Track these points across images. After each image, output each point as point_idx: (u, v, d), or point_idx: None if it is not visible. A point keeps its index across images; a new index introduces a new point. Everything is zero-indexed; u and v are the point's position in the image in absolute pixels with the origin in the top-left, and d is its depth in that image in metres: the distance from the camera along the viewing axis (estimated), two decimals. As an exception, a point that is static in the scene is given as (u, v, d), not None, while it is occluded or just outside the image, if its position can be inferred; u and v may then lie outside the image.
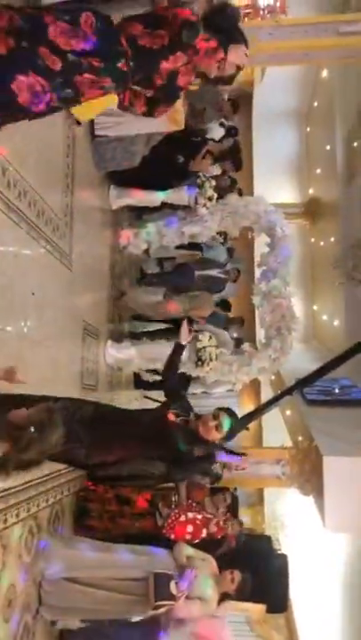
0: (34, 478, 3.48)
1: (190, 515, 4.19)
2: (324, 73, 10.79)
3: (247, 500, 9.74)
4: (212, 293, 6.12)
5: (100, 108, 4.66)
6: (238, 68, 2.29)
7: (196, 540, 4.14)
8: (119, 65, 2.08)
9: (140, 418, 2.90)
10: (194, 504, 4.54)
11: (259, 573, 3.98)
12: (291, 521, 8.92)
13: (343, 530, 5.92)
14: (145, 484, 4.51)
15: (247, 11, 7.28)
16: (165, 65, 2.15)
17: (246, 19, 6.77)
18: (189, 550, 3.77)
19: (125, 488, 4.54)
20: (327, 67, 10.37)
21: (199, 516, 4.21)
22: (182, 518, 4.17)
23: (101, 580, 3.52)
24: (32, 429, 1.89)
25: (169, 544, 4.35)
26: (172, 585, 3.33)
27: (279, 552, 5.57)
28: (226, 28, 2.22)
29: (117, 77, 2.12)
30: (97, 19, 2.03)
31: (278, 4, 7.77)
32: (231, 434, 2.93)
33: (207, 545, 4.23)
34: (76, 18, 1.99)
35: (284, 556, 5.18)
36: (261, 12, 7.16)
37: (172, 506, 4.36)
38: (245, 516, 8.38)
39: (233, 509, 5.24)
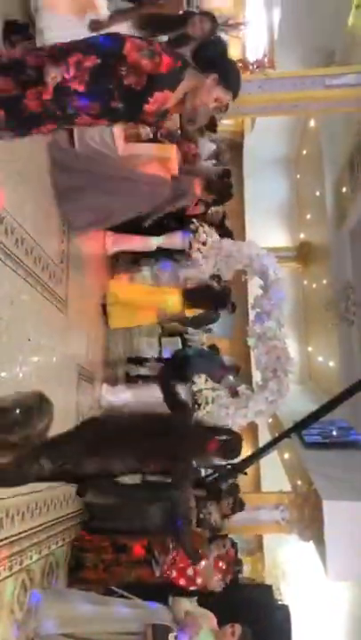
0: (27, 529, 3.40)
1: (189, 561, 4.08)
2: (312, 122, 11.20)
3: (246, 548, 9.49)
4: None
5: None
6: (218, 107, 2.37)
7: (200, 580, 4.02)
8: (112, 105, 2.20)
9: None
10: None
11: (260, 626, 3.85)
12: (292, 569, 8.67)
13: (347, 578, 5.76)
14: (141, 533, 4.43)
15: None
16: (149, 107, 2.22)
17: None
18: (188, 605, 3.65)
19: (122, 536, 4.43)
20: (315, 117, 10.77)
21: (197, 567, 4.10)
22: (181, 565, 4.05)
23: (98, 634, 3.39)
24: (17, 411, 1.88)
25: (166, 595, 4.22)
26: (171, 638, 3.21)
27: (281, 603, 5.39)
28: (214, 58, 2.34)
29: (113, 118, 2.25)
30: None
31: (267, 59, 8.15)
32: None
33: (206, 596, 4.10)
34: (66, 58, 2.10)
35: (285, 608, 5.00)
36: (251, 67, 7.50)
37: (170, 553, 4.24)
38: (245, 565, 8.14)
39: (238, 562, 5.09)
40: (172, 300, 5.67)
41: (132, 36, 2.15)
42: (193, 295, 5.74)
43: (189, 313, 6.06)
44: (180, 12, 3.48)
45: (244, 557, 8.84)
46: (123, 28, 3.44)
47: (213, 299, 5.98)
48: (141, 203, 4.84)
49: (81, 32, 3.32)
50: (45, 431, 2.03)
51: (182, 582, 4.13)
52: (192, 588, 4.15)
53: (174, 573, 4.03)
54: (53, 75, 2.04)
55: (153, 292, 5.78)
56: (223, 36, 9.10)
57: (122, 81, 2.13)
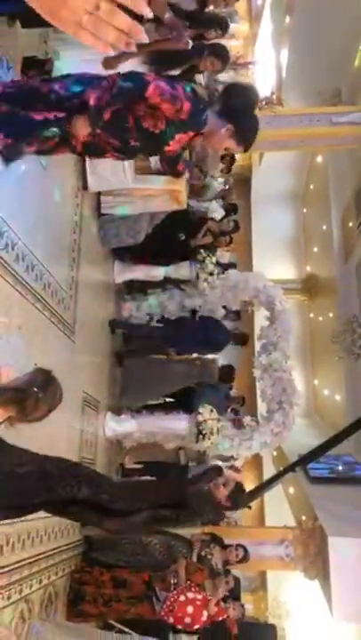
0: (27, 557, 3.34)
1: (190, 595, 3.97)
2: (319, 158, 11.40)
3: (249, 586, 9.24)
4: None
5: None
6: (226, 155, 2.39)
7: (197, 627, 3.90)
8: (131, 144, 2.21)
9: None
10: (193, 585, 4.31)
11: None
12: (296, 609, 8.41)
13: (353, 619, 5.56)
14: (141, 566, 4.35)
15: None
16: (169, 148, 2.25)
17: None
18: None
19: (122, 569, 4.35)
20: (322, 153, 10.97)
21: (199, 596, 3.99)
22: (182, 598, 3.94)
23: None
24: (35, 389, 1.92)
25: (167, 632, 4.11)
26: None
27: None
28: (239, 108, 2.22)
29: (131, 154, 2.29)
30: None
31: (275, 97, 8.36)
32: (234, 499, 2.94)
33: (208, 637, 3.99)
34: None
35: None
36: (259, 104, 7.70)
37: (171, 589, 4.14)
38: (248, 603, 7.92)
39: (235, 593, 4.97)
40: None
41: (156, 79, 2.14)
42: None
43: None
44: (190, 46, 3.55)
45: (247, 595, 8.60)
46: (135, 63, 3.56)
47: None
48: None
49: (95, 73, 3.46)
50: (60, 400, 2.07)
51: (180, 627, 4.02)
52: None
53: (171, 619, 3.93)
54: (85, 133, 2.11)
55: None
56: (233, 74, 9.39)
57: (139, 122, 2.14)
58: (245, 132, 2.23)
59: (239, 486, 3.40)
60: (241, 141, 2.23)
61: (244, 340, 6.29)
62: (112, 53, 3.02)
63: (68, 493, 2.25)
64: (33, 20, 3.14)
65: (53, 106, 2.12)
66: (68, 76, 2.27)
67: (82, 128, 2.11)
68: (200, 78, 4.00)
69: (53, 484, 2.24)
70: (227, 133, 2.19)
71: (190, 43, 3.44)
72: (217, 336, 5.88)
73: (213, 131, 2.19)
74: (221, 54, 3.82)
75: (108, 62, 3.49)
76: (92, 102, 2.09)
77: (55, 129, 2.11)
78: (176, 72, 3.79)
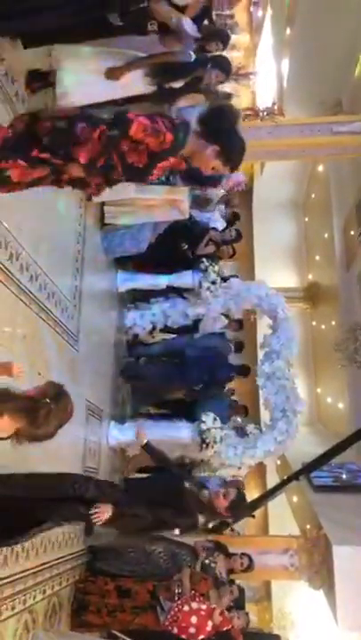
0: (32, 566, 3.34)
1: (194, 605, 3.95)
2: (320, 167, 11.46)
3: (254, 596, 9.19)
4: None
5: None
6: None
7: (201, 637, 3.88)
8: (115, 177, 2.27)
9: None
10: (198, 595, 4.29)
11: None
12: (301, 619, 8.35)
13: (359, 628, 5.53)
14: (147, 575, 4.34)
15: (248, 113, 7.89)
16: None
17: (247, 119, 7.33)
18: None
19: (126, 579, 4.33)
20: (323, 162, 11.03)
21: (203, 606, 3.96)
22: (186, 608, 3.92)
23: None
24: (47, 400, 1.91)
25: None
26: None
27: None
28: (222, 130, 2.23)
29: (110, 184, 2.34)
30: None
31: (276, 107, 8.43)
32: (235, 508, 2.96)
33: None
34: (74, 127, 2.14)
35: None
36: (261, 114, 7.77)
37: (175, 598, 4.12)
38: (252, 614, 7.86)
39: (240, 604, 4.94)
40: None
41: (138, 115, 2.16)
42: None
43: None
44: (193, 58, 3.59)
45: (251, 606, 8.55)
46: (138, 75, 3.60)
47: None
48: None
49: (98, 84, 3.50)
50: (71, 415, 2.08)
51: (184, 637, 4.00)
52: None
53: (176, 630, 3.91)
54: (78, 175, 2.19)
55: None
56: (234, 85, 9.47)
57: (124, 158, 2.18)
58: (231, 152, 2.25)
59: (241, 496, 3.40)
60: (227, 161, 2.25)
61: (245, 371, 6.36)
62: (117, 63, 2.97)
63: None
64: (35, 38, 3.21)
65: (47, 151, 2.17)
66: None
67: (76, 172, 2.18)
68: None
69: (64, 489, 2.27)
70: (213, 154, 2.21)
71: (193, 55, 3.48)
72: (221, 373, 5.94)
73: (198, 152, 2.23)
74: (224, 66, 3.87)
75: (112, 73, 3.53)
76: (82, 161, 2.14)
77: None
78: (179, 84, 3.83)
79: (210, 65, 3.74)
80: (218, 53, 3.90)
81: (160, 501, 2.85)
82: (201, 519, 3.28)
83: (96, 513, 2.76)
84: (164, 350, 6.15)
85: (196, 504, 2.88)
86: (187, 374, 5.75)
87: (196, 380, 5.79)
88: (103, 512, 2.77)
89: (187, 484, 2.92)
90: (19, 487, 2.36)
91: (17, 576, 3.15)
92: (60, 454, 3.88)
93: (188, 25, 3.27)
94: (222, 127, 2.23)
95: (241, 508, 3.50)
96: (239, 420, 6.45)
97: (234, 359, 6.51)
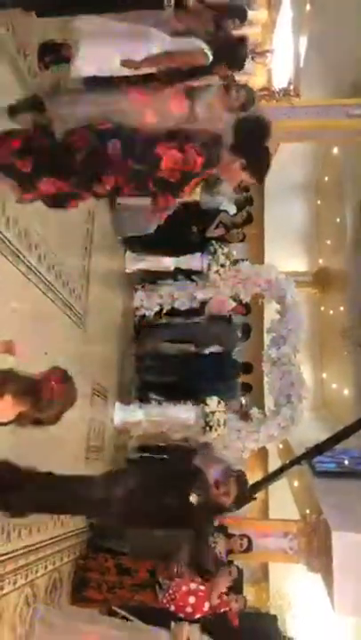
0: (33, 542, 3.39)
1: (193, 585, 4.01)
2: (335, 150, 11.26)
3: (251, 577, 9.30)
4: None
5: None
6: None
7: (198, 616, 3.94)
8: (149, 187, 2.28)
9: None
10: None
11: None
12: (298, 601, 8.46)
13: (355, 613, 5.59)
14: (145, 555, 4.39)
15: (263, 93, 7.74)
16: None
17: (263, 100, 7.19)
18: (190, 631, 3.59)
19: (126, 557, 4.39)
20: (337, 145, 10.83)
21: (202, 587, 4.03)
22: (184, 588, 3.98)
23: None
24: (52, 383, 1.94)
25: (169, 620, 4.15)
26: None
27: (286, 636, 5.25)
28: (251, 144, 2.27)
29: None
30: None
31: (292, 88, 8.26)
32: (239, 502, 2.94)
33: (209, 627, 4.02)
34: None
35: (291, 640, 4.89)
36: (277, 95, 7.63)
37: (174, 577, 4.18)
38: (249, 594, 7.98)
39: (237, 585, 5.01)
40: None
41: (167, 149, 2.18)
42: None
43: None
44: (210, 59, 3.46)
45: (249, 586, 8.67)
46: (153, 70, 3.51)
47: None
48: None
49: (114, 60, 3.41)
50: (74, 400, 2.09)
51: (181, 616, 4.06)
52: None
53: (173, 608, 3.97)
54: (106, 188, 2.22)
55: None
56: (250, 63, 9.24)
57: (156, 176, 2.23)
58: (257, 166, 2.31)
59: (244, 483, 3.38)
60: (254, 174, 2.31)
61: (248, 370, 6.38)
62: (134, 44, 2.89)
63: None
64: (49, 9, 3.13)
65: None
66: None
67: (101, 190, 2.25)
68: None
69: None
70: (240, 166, 2.26)
71: (210, 56, 3.37)
72: (229, 371, 6.01)
73: (228, 166, 2.27)
74: (237, 61, 3.72)
75: (128, 63, 3.44)
76: (108, 187, 2.19)
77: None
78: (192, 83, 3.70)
79: (224, 62, 3.61)
80: (234, 42, 3.76)
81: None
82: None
83: None
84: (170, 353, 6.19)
85: (204, 513, 2.89)
86: (194, 375, 5.82)
87: (203, 380, 5.84)
88: None
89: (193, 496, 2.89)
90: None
91: (19, 552, 3.20)
92: (64, 434, 3.90)
93: None
94: (251, 142, 2.27)
95: (245, 498, 3.49)
96: (243, 400, 6.48)
97: (243, 344, 6.52)
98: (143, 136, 2.25)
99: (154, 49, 3.48)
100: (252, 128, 2.30)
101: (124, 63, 3.36)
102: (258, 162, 2.28)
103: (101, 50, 3.45)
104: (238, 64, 3.68)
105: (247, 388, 6.86)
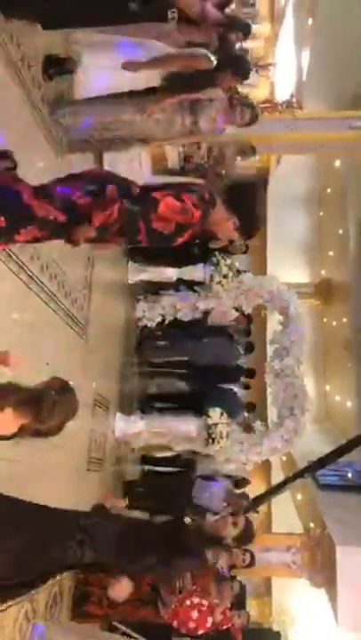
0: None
1: (195, 599, 3.95)
2: (337, 162, 11.30)
3: (254, 591, 9.19)
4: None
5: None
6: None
7: (201, 632, 3.88)
8: (138, 238, 2.23)
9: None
10: (199, 589, 4.28)
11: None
12: (301, 616, 8.34)
13: (359, 629, 5.50)
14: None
15: (266, 106, 7.79)
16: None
17: (265, 112, 7.23)
18: None
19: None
20: (340, 157, 10.87)
21: (205, 602, 3.96)
22: (187, 603, 3.92)
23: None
24: (53, 392, 1.89)
25: (170, 635, 4.08)
26: None
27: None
28: (245, 206, 2.31)
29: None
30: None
31: (295, 100, 8.31)
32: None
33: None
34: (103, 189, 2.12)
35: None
36: (279, 107, 7.66)
37: (177, 592, 4.12)
38: (252, 608, 7.87)
39: (240, 600, 4.94)
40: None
41: (165, 195, 2.17)
42: None
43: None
44: (214, 64, 3.46)
45: (251, 600, 8.55)
46: (155, 75, 3.53)
47: None
48: None
49: (116, 73, 3.43)
50: (76, 411, 2.05)
51: (183, 632, 4.00)
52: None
53: (175, 623, 3.91)
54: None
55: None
56: (254, 76, 9.29)
57: (149, 224, 2.18)
58: (248, 228, 2.35)
59: (250, 527, 3.33)
60: (244, 234, 2.35)
61: (250, 375, 6.36)
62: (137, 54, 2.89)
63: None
64: (53, 22, 3.15)
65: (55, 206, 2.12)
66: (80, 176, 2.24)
67: (86, 234, 2.16)
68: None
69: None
70: (233, 226, 2.30)
71: (214, 61, 3.38)
72: (231, 374, 6.11)
73: (222, 221, 2.29)
74: (242, 70, 3.73)
75: (130, 65, 3.46)
76: (96, 223, 2.11)
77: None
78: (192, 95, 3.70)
79: (229, 70, 3.62)
80: (238, 54, 3.78)
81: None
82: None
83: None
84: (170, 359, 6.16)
85: (198, 543, 2.82)
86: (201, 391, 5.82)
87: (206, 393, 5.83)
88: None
89: (187, 520, 2.82)
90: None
91: (19, 566, 3.15)
92: (65, 446, 3.87)
93: (212, 11, 3.19)
94: (244, 202, 2.31)
95: (249, 537, 3.46)
96: (246, 415, 6.42)
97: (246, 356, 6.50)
98: (139, 186, 2.25)
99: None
100: (247, 194, 2.36)
101: (126, 65, 3.37)
102: (250, 224, 2.34)
103: (104, 62, 3.47)
104: (244, 73, 3.69)
105: (251, 407, 6.79)
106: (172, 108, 3.64)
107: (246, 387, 6.50)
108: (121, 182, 2.20)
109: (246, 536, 3.54)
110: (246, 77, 3.76)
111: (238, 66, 3.65)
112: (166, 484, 5.89)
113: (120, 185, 2.17)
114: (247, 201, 2.33)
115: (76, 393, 2.04)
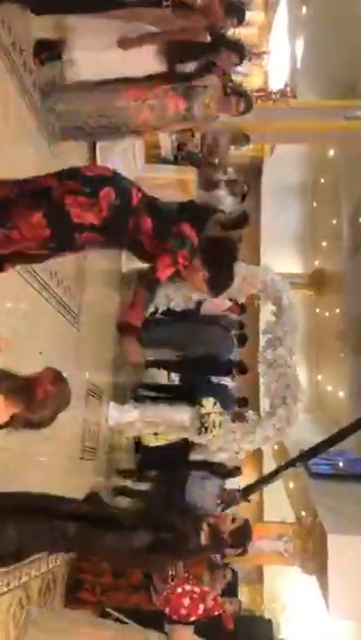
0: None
1: (187, 587, 3.98)
2: (331, 152, 11.29)
3: (245, 578, 9.28)
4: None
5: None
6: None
7: (193, 618, 3.91)
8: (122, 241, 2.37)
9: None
10: (191, 578, 4.32)
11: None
12: (292, 603, 8.45)
13: (350, 617, 5.57)
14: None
15: (260, 94, 7.74)
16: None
17: (259, 101, 7.18)
18: (184, 634, 3.57)
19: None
20: (334, 146, 10.86)
21: (197, 589, 4.00)
22: (179, 590, 3.95)
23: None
24: (45, 381, 1.90)
25: (163, 622, 4.12)
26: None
27: (281, 638, 5.22)
28: (218, 263, 2.38)
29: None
30: (116, 195, 2.24)
31: (289, 89, 8.26)
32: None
33: (204, 631, 4.00)
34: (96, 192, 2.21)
35: (285, 644, 4.86)
36: (273, 96, 7.62)
37: (169, 580, 4.15)
38: (243, 596, 7.95)
39: (232, 587, 4.98)
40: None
41: (163, 270, 2.33)
42: None
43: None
44: (209, 39, 3.47)
45: (243, 587, 8.64)
46: (150, 51, 3.49)
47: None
48: None
49: (108, 57, 3.39)
50: (68, 402, 2.06)
51: (175, 618, 4.04)
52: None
53: (167, 610, 3.94)
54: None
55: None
56: (247, 64, 9.23)
57: (135, 237, 2.34)
58: (217, 284, 2.44)
59: (247, 528, 3.40)
60: (212, 289, 2.45)
61: (242, 370, 6.38)
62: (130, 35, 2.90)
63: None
64: (46, 7, 3.10)
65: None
66: None
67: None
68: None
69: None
70: (202, 278, 2.38)
71: (208, 36, 3.37)
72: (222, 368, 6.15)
73: (194, 271, 2.38)
74: (238, 48, 3.73)
75: (125, 43, 3.42)
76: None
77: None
78: (190, 67, 3.68)
79: (224, 47, 3.61)
80: (232, 36, 3.76)
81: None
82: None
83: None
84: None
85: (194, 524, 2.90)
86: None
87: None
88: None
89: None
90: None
91: (12, 553, 3.15)
92: (59, 435, 3.87)
93: None
94: (216, 259, 2.38)
95: (245, 537, 3.54)
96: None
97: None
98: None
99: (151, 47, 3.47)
100: (222, 249, 2.44)
101: (121, 43, 3.34)
102: (219, 281, 2.42)
103: (97, 47, 3.43)
104: (239, 15, 3.68)
105: (243, 402, 6.80)
106: (165, 93, 3.62)
107: (242, 371, 6.51)
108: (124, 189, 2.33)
109: (242, 535, 3.60)
110: (243, 54, 3.75)
111: (234, 44, 3.66)
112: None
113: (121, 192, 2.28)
114: (224, 259, 2.41)
115: (68, 384, 2.03)
